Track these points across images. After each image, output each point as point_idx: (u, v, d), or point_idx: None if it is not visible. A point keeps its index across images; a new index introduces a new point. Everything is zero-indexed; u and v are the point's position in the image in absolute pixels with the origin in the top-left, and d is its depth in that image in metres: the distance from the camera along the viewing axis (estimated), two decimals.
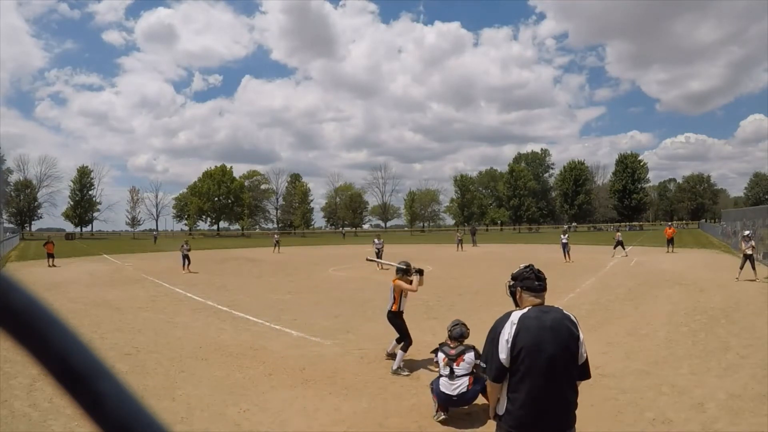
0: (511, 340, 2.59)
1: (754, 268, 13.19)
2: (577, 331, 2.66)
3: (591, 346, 6.72)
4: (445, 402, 4.51)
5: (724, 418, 4.31)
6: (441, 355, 4.80)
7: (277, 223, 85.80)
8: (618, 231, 25.08)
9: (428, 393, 5.11)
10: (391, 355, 6.30)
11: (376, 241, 20.49)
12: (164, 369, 6.04)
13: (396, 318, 6.27)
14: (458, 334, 4.85)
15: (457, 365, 4.61)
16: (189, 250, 18.47)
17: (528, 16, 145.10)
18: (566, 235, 21.10)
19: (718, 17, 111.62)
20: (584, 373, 2.69)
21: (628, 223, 75.23)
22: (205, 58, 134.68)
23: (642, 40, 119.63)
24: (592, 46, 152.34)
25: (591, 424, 4.30)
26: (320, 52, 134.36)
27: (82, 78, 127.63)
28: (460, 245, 30.07)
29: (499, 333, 2.65)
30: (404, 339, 6.13)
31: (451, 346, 4.80)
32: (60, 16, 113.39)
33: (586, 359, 2.67)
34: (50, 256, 20.99)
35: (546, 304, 2.79)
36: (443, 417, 4.50)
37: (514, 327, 2.61)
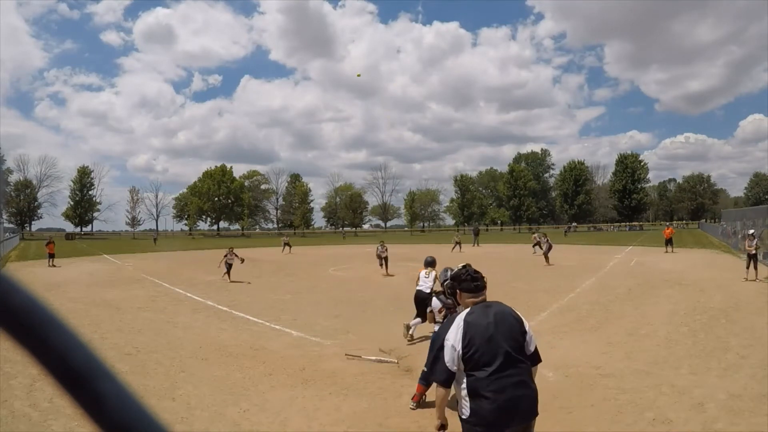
0: (459, 344, 2.63)
1: (755, 267, 13.06)
2: (522, 320, 2.77)
3: (591, 346, 6.77)
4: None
5: (724, 418, 4.31)
6: (438, 304, 4.95)
7: (277, 223, 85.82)
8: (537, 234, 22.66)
9: (428, 393, 5.11)
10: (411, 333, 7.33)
11: (379, 247, 18.05)
12: (164, 369, 6.04)
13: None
14: (450, 286, 4.88)
15: (452, 314, 4.71)
16: (234, 257, 15.72)
17: (526, 16, 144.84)
18: (545, 238, 20.45)
19: (717, 17, 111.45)
20: (535, 359, 2.76)
21: (627, 223, 75.19)
22: (205, 59, 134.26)
23: (641, 40, 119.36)
24: (591, 46, 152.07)
25: (591, 424, 4.30)
26: (319, 52, 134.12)
27: (82, 78, 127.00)
28: (458, 247, 29.13)
29: (444, 338, 2.71)
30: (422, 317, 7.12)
31: (448, 296, 4.87)
32: (59, 16, 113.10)
33: (536, 346, 2.76)
34: (51, 256, 20.95)
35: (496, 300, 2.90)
36: (415, 406, 4.67)
37: (461, 329, 2.66)
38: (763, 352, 6.23)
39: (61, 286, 14.00)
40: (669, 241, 24.55)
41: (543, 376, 5.61)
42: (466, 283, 2.84)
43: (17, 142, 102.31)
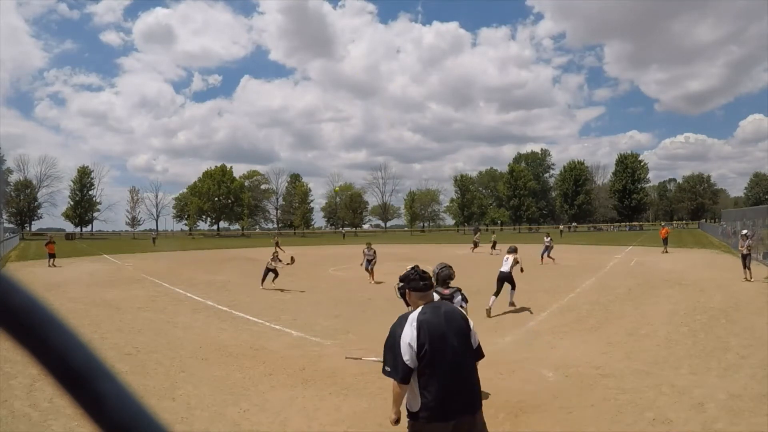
0: (414, 341, 2.77)
1: (748, 267, 13.05)
2: (467, 319, 2.99)
3: (591, 346, 6.77)
4: None
5: (724, 418, 4.31)
6: (436, 298, 4.85)
7: (277, 223, 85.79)
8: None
9: None
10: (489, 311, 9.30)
11: (366, 250, 16.28)
12: (164, 369, 6.04)
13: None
14: (446, 276, 4.98)
15: None
16: (277, 262, 13.50)
17: (526, 16, 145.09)
18: (548, 238, 20.57)
19: (717, 17, 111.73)
20: (479, 355, 2.97)
21: (627, 223, 75.18)
22: (204, 59, 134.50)
23: (640, 40, 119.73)
24: (591, 46, 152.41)
25: (591, 424, 4.31)
26: (319, 52, 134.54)
27: (82, 78, 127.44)
28: (475, 247, 27.54)
29: (399, 337, 2.82)
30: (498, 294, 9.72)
31: (443, 288, 4.95)
32: (59, 16, 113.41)
33: (479, 343, 2.98)
34: (51, 256, 20.85)
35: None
36: None
37: (414, 327, 2.79)
38: (763, 352, 6.23)
39: (61, 286, 13.99)
40: (665, 241, 24.50)
41: (543, 376, 5.62)
42: (415, 282, 3.00)
43: (17, 142, 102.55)
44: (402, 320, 2.89)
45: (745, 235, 13.68)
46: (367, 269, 15.50)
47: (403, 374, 2.78)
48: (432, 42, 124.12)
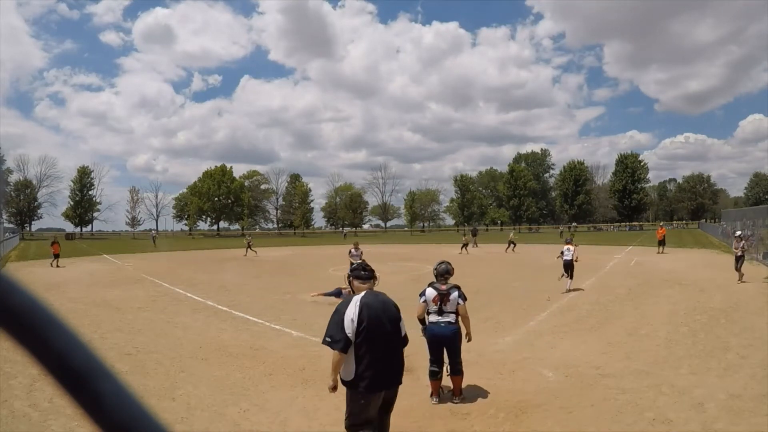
0: (356, 318, 3.33)
1: (738, 269, 12.73)
2: (398, 309, 3.63)
3: (591, 346, 6.77)
4: (438, 338, 5.00)
5: (724, 418, 4.31)
6: (432, 293, 5.05)
7: (277, 223, 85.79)
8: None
9: (428, 393, 5.11)
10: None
11: (353, 251, 15.48)
12: (164, 369, 6.04)
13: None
14: (444, 270, 5.18)
15: (445, 304, 5.00)
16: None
17: (525, 16, 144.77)
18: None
19: (717, 17, 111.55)
20: (405, 341, 3.62)
21: (627, 223, 75.18)
22: (204, 59, 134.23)
23: (640, 40, 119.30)
24: (590, 46, 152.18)
25: (591, 424, 4.31)
26: (319, 52, 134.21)
27: (82, 78, 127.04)
28: (465, 248, 27.31)
29: (344, 314, 3.37)
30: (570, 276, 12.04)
31: (441, 283, 5.13)
32: (59, 16, 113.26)
33: (405, 332, 3.61)
34: (56, 256, 20.71)
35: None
36: (437, 401, 4.92)
37: (357, 307, 3.38)
38: (763, 352, 6.23)
39: (61, 286, 13.99)
40: (661, 242, 24.33)
41: (543, 376, 5.62)
42: (357, 272, 3.73)
43: (17, 142, 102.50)
44: (348, 301, 3.48)
45: (739, 236, 13.39)
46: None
47: (344, 344, 3.30)
48: (432, 42, 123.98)
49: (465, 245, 27.46)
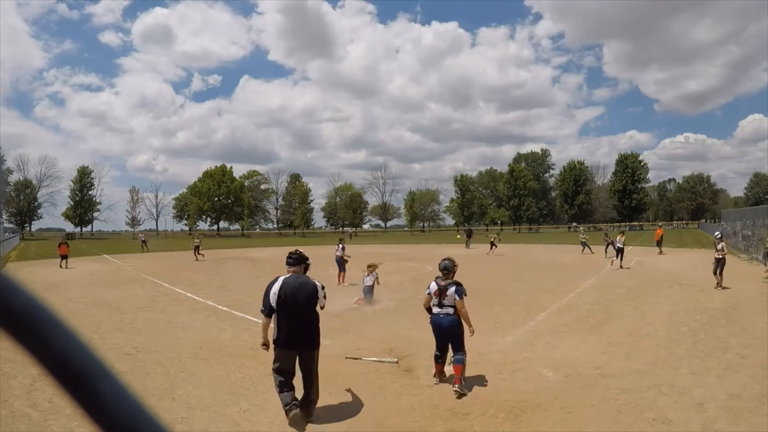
0: (276, 291, 4.45)
1: (718, 273, 11.66)
2: (317, 288, 4.58)
3: (591, 346, 6.77)
4: (437, 328, 5.37)
5: (724, 418, 4.31)
6: (434, 286, 5.43)
7: (277, 223, 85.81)
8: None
9: (428, 393, 5.12)
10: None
11: (339, 248, 14.98)
12: (164, 369, 6.04)
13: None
14: (443, 267, 5.52)
15: (444, 298, 5.33)
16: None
17: (525, 16, 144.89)
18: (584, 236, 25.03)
19: (716, 16, 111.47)
20: (316, 310, 4.58)
21: (627, 223, 75.17)
22: (204, 59, 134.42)
23: (639, 40, 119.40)
24: (590, 46, 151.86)
25: (591, 424, 4.30)
26: (318, 52, 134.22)
27: (81, 78, 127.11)
28: (493, 248, 25.96)
29: (270, 287, 4.51)
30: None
31: (441, 278, 5.45)
32: (59, 16, 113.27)
33: (324, 305, 4.65)
34: (63, 257, 20.46)
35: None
36: (438, 381, 5.37)
37: (279, 284, 4.50)
38: (763, 352, 6.23)
39: (61, 286, 13.99)
40: (658, 243, 24.27)
41: (543, 376, 5.62)
42: (288, 258, 4.77)
43: (17, 142, 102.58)
44: (276, 279, 4.58)
45: (720, 237, 12.51)
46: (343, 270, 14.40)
47: (267, 311, 4.48)
48: (431, 42, 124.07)
49: (493, 244, 26.38)
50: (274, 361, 4.47)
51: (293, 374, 4.46)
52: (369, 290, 10.67)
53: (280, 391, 4.42)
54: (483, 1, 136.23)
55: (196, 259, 24.66)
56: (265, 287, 4.59)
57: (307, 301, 4.46)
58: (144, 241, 34.22)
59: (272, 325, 4.55)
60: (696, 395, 4.85)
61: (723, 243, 12.10)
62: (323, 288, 4.64)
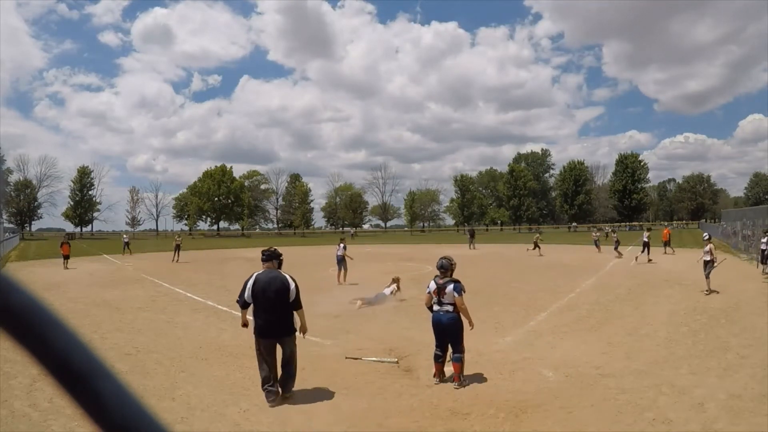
0: (251, 286, 5.04)
1: (706, 276, 11.15)
2: (289, 282, 5.02)
3: (591, 346, 6.77)
4: (437, 325, 5.44)
5: (724, 418, 4.31)
6: (433, 285, 5.52)
7: (277, 223, 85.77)
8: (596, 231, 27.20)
9: (428, 393, 5.12)
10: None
11: (340, 247, 14.58)
12: (164, 369, 6.04)
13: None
14: (440, 266, 5.64)
15: (442, 296, 5.42)
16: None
17: (524, 16, 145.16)
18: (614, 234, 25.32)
19: (716, 16, 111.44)
20: (296, 305, 5.08)
21: (627, 223, 75.15)
22: (204, 59, 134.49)
23: (639, 40, 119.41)
24: (589, 46, 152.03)
25: (591, 424, 4.30)
26: (318, 52, 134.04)
27: (81, 78, 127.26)
28: (537, 247, 24.51)
29: (247, 282, 5.10)
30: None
31: (440, 277, 5.56)
32: (59, 16, 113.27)
33: (296, 298, 5.04)
34: (65, 257, 20.26)
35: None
36: (438, 381, 5.37)
37: (253, 279, 5.08)
38: (763, 352, 6.23)
39: (61, 286, 13.99)
40: (666, 243, 24.29)
41: (543, 376, 5.62)
42: (262, 255, 5.28)
43: (17, 142, 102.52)
44: (251, 275, 5.14)
45: (708, 239, 11.85)
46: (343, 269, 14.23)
47: (242, 303, 5.17)
48: (431, 42, 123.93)
49: (536, 245, 24.68)
50: (256, 347, 5.07)
51: (271, 358, 4.97)
52: (383, 296, 10.77)
53: (260, 370, 5.01)
54: (482, 1, 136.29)
55: (175, 260, 23.03)
56: None
57: (277, 293, 4.93)
58: (127, 243, 29.65)
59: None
60: (696, 395, 4.85)
61: (711, 245, 11.50)
62: (294, 282, 5.04)
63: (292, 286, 4.97)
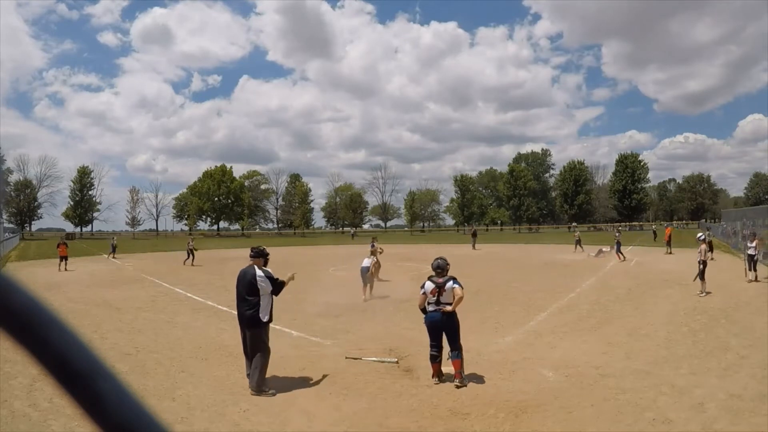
0: (238, 281, 5.58)
1: (699, 277, 10.92)
2: (255, 276, 5.46)
3: (591, 346, 6.77)
4: (434, 322, 5.44)
5: (724, 418, 4.31)
6: (430, 285, 5.52)
7: (277, 223, 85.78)
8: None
9: (428, 393, 5.12)
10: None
11: (372, 243, 14.03)
12: (164, 369, 6.04)
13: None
14: (436, 266, 5.69)
15: (442, 295, 5.44)
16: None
17: (523, 16, 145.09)
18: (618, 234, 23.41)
19: (715, 16, 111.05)
20: (276, 291, 5.63)
21: (627, 223, 75.16)
22: (203, 59, 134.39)
23: (638, 40, 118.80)
24: (589, 46, 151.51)
25: (591, 424, 4.30)
26: (317, 52, 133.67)
27: (81, 78, 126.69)
28: (579, 246, 24.93)
29: (239, 278, 5.61)
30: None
31: (437, 277, 5.58)
32: (59, 16, 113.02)
33: (269, 284, 5.49)
34: (63, 258, 19.12)
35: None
36: (437, 381, 5.37)
37: (239, 274, 5.62)
38: (763, 352, 6.23)
39: (61, 286, 13.99)
40: (668, 243, 24.35)
41: (543, 376, 5.62)
42: (250, 252, 5.84)
43: (17, 142, 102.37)
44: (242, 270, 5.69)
45: (702, 239, 11.65)
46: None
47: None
48: (430, 42, 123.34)
49: (579, 243, 25.16)
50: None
51: (246, 348, 5.47)
52: (365, 270, 11.40)
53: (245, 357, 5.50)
54: (482, 1, 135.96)
55: (189, 262, 20.96)
56: None
57: (246, 287, 5.42)
58: (114, 246, 26.90)
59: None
60: (696, 395, 4.85)
61: (703, 246, 11.29)
62: (264, 275, 5.46)
63: (262, 278, 5.41)
